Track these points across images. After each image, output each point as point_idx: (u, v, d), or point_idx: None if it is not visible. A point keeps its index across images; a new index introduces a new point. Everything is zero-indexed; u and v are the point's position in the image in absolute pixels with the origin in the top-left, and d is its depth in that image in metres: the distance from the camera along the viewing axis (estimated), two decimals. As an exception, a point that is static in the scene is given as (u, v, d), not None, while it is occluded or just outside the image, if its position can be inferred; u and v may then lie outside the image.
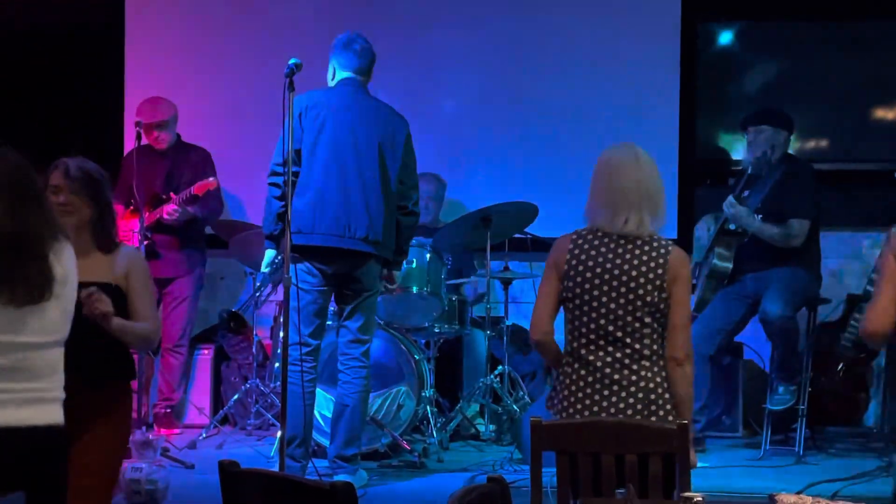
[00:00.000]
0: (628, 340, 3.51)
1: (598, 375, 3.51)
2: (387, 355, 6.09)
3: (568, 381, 3.56)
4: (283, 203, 5.06)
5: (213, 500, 2.76)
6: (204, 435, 6.36)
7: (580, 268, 3.54)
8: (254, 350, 6.68)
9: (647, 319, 3.50)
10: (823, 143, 7.46)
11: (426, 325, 6.24)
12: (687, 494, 2.71)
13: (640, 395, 3.48)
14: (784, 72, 7.40)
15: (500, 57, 7.28)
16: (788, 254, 6.07)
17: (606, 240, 3.57)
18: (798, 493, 3.35)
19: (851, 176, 7.29)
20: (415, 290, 6.08)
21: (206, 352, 6.94)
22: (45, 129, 7.41)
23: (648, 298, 3.49)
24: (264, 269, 5.34)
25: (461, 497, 2.51)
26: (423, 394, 6.03)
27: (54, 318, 3.00)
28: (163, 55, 7.39)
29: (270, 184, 5.18)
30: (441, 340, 6.52)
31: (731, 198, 6.07)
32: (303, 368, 5.07)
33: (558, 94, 7.25)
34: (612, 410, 3.48)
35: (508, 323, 6.47)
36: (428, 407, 6.09)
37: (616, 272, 3.52)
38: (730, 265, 6.17)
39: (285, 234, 4.82)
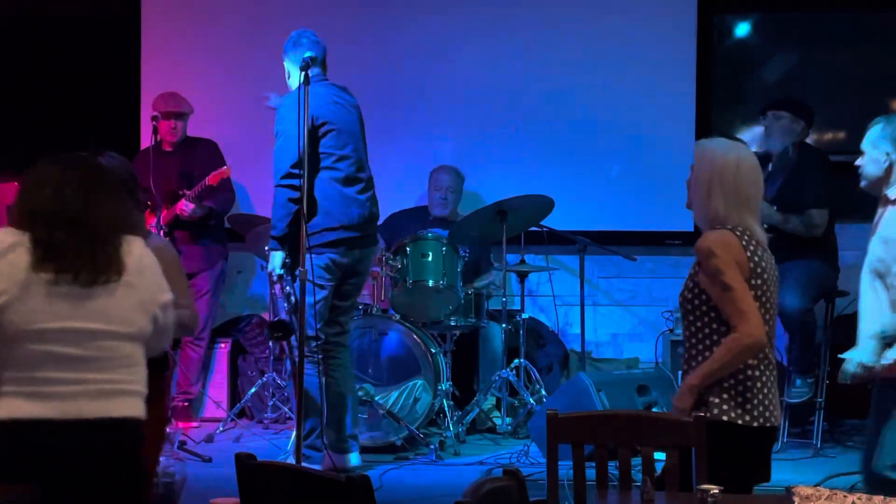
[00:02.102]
0: (772, 335, 3.52)
1: (776, 374, 3.48)
2: (403, 349, 6.09)
3: (759, 383, 3.40)
4: (297, 206, 5.09)
5: (230, 494, 2.77)
6: (221, 428, 6.38)
7: (763, 265, 3.44)
8: (270, 343, 6.69)
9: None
10: (841, 134, 7.42)
11: (442, 318, 6.23)
12: (704, 487, 2.70)
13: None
14: (800, 63, 7.37)
15: (517, 49, 7.27)
16: (805, 246, 6.05)
17: (755, 240, 3.48)
18: (816, 485, 3.33)
19: (869, 167, 7.24)
20: (431, 283, 6.08)
21: (223, 345, 6.96)
22: (61, 122, 7.42)
23: (777, 293, 3.53)
24: (279, 270, 5.30)
25: (477, 490, 2.51)
26: (440, 387, 6.03)
27: (125, 306, 3.03)
28: (178, 47, 7.40)
29: (287, 186, 5.18)
30: (457, 333, 6.51)
31: None
32: (315, 360, 5.14)
33: (575, 87, 7.24)
34: (779, 405, 3.49)
35: (525, 316, 6.46)
36: (444, 400, 6.09)
37: (772, 269, 3.50)
38: (747, 258, 6.14)
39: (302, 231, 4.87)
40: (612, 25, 7.24)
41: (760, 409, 3.39)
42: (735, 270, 3.37)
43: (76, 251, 2.98)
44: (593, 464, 3.21)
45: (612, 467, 3.28)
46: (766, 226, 6.04)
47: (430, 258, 6.10)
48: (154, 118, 6.52)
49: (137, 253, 3.10)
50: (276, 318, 5.16)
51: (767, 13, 7.45)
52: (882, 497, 2.66)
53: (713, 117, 7.30)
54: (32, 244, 2.97)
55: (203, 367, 6.79)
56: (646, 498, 2.85)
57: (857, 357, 4.09)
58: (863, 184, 4.39)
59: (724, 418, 3.36)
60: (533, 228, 6.64)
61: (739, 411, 3.36)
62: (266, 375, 6.63)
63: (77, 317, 2.95)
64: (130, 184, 3.99)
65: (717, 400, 3.38)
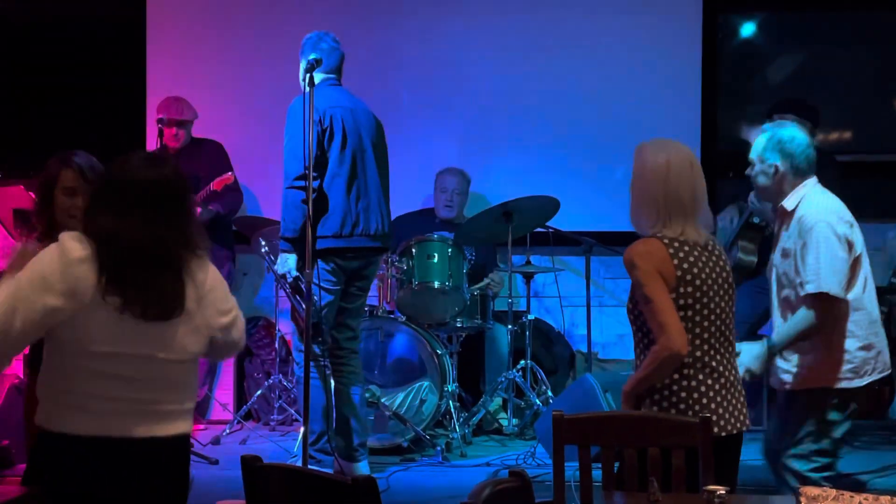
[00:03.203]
0: (732, 339, 3.49)
1: (723, 381, 3.41)
2: (409, 350, 6.10)
3: (696, 394, 3.38)
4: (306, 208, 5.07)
5: (236, 496, 2.77)
6: (228, 430, 6.39)
7: (694, 270, 3.38)
8: (276, 345, 6.70)
9: (733, 314, 3.50)
10: (847, 134, 7.41)
11: (448, 319, 6.23)
12: (711, 487, 2.70)
13: (744, 392, 3.49)
14: (806, 63, 7.36)
15: (522, 50, 7.27)
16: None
17: (689, 245, 3.41)
18: (823, 486, 3.32)
19: (875, 167, 7.24)
20: (436, 284, 6.08)
21: (229, 348, 6.95)
22: (66, 124, 7.43)
23: (734, 293, 3.49)
24: (294, 272, 5.26)
25: (482, 491, 2.51)
26: (446, 388, 6.03)
27: (181, 335, 2.95)
28: (183, 49, 7.41)
29: (299, 188, 5.12)
30: (463, 335, 6.51)
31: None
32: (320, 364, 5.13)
33: (580, 87, 7.24)
34: (741, 414, 3.44)
35: (531, 317, 6.46)
36: (450, 401, 6.09)
37: (717, 270, 3.44)
38: (754, 258, 6.13)
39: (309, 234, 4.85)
40: (617, 25, 7.23)
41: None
42: (657, 281, 3.34)
43: (146, 285, 2.89)
44: (599, 465, 3.21)
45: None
46: (759, 221, 6.07)
47: (435, 259, 6.10)
48: (160, 121, 6.52)
49: (200, 279, 3.00)
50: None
51: (773, 13, 7.44)
52: (889, 497, 2.65)
53: (719, 117, 7.29)
54: (100, 265, 2.87)
55: (209, 369, 6.79)
56: (652, 499, 2.84)
57: (746, 363, 4.00)
58: (754, 195, 4.36)
59: None
60: (538, 229, 6.64)
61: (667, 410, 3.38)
62: (272, 377, 6.63)
63: (135, 344, 2.91)
64: None
65: (644, 410, 3.41)
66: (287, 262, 5.18)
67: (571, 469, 3.24)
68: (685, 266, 3.37)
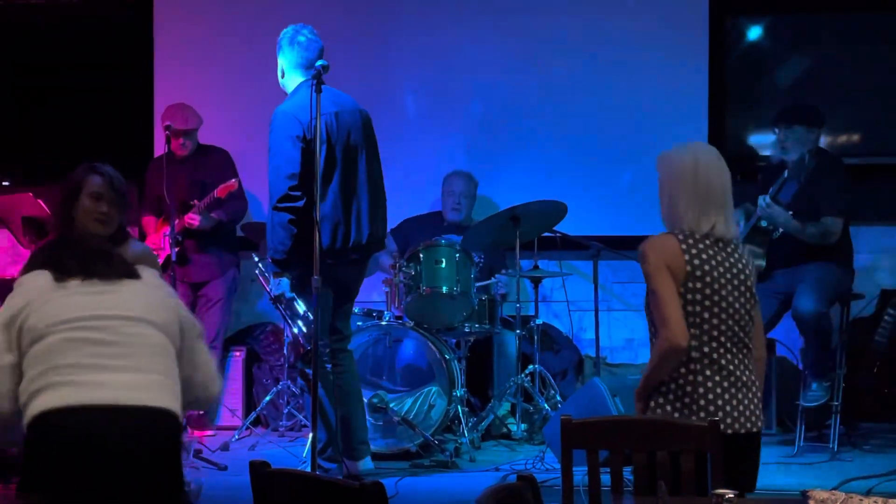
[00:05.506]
0: (747, 341, 3.48)
1: (733, 380, 3.41)
2: (418, 355, 6.09)
3: (702, 389, 3.39)
4: (296, 229, 5.03)
5: (245, 502, 2.77)
6: (236, 436, 6.39)
7: (706, 267, 3.39)
8: (285, 351, 6.70)
9: (753, 318, 3.49)
10: (855, 137, 7.40)
11: (456, 324, 6.23)
12: (719, 491, 2.69)
13: (759, 394, 3.48)
14: (814, 66, 7.34)
15: (529, 54, 7.28)
16: (820, 249, 6.03)
17: (709, 241, 3.44)
18: (832, 489, 3.32)
19: (883, 170, 7.23)
20: (444, 289, 6.08)
21: (238, 354, 6.97)
22: (74, 131, 7.45)
23: (753, 297, 3.49)
24: (289, 294, 5.19)
25: (491, 495, 2.50)
26: (455, 393, 6.03)
27: (147, 301, 3.09)
28: (191, 54, 7.42)
29: (284, 209, 5.03)
30: (472, 340, 6.51)
31: (766, 198, 6.03)
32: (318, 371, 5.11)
33: (587, 92, 7.24)
34: (752, 415, 3.43)
35: (539, 322, 6.46)
36: (459, 406, 6.08)
37: (734, 271, 3.44)
38: (762, 262, 6.13)
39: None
40: (624, 30, 7.23)
41: (702, 415, 3.36)
42: (663, 275, 3.37)
43: (101, 258, 3.09)
44: (608, 469, 3.20)
45: (627, 472, 3.27)
46: (767, 224, 6.06)
47: (443, 265, 6.10)
48: (167, 128, 6.54)
49: (131, 254, 3.32)
50: (306, 349, 5.08)
51: (780, 16, 7.43)
52: (899, 500, 2.64)
53: (726, 121, 7.29)
54: (55, 267, 3.08)
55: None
56: (661, 503, 2.84)
57: None
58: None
59: None
60: (546, 234, 6.64)
61: (677, 416, 3.39)
62: (281, 383, 6.63)
63: (98, 307, 3.00)
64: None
65: (653, 404, 3.44)
66: (280, 285, 5.14)
67: (580, 473, 3.24)
68: (696, 262, 3.39)
